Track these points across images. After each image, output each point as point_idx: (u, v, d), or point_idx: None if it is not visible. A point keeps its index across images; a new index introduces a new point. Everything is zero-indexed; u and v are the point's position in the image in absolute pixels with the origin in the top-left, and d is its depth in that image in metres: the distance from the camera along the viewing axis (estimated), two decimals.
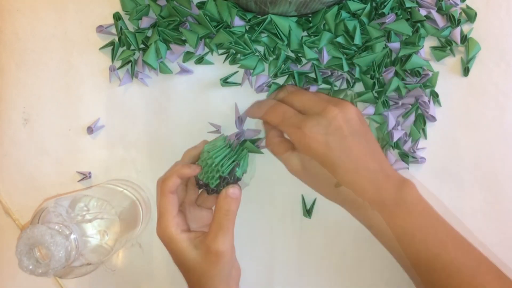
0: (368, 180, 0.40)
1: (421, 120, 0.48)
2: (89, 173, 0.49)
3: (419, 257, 0.40)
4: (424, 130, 0.48)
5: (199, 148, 0.46)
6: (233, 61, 0.48)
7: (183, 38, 0.47)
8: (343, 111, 0.41)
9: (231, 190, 0.43)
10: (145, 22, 0.47)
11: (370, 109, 0.47)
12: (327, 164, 0.41)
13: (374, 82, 0.47)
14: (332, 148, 0.40)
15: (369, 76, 0.47)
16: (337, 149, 0.41)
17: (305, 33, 0.47)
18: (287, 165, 0.45)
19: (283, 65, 0.47)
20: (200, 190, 0.47)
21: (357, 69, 0.47)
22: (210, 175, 0.44)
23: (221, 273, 0.41)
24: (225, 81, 0.48)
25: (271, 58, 0.47)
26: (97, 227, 0.39)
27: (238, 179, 0.45)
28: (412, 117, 0.48)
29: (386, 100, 0.47)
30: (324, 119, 0.41)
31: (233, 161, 0.44)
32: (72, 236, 0.36)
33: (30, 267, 0.34)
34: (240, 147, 0.46)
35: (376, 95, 0.47)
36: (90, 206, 0.40)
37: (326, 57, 0.46)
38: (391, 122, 0.47)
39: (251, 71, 0.47)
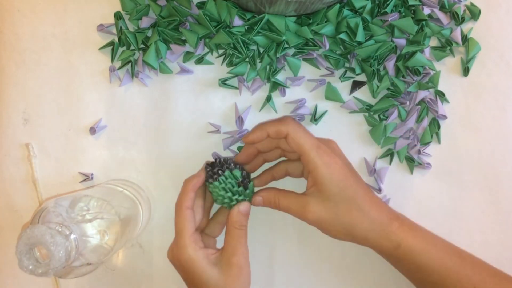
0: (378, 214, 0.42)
1: (436, 124, 0.48)
2: (91, 174, 0.49)
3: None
4: (438, 134, 0.48)
5: (200, 176, 0.45)
6: (230, 64, 0.48)
7: (183, 38, 0.47)
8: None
9: (243, 207, 0.43)
10: (145, 22, 0.47)
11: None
12: (352, 185, 0.41)
13: (373, 70, 0.47)
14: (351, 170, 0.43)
15: (368, 64, 0.47)
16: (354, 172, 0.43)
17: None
18: (306, 211, 0.42)
19: (270, 68, 0.47)
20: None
21: (357, 66, 0.47)
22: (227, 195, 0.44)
23: (243, 286, 0.41)
24: (223, 82, 0.48)
25: (259, 65, 0.48)
26: (97, 227, 0.39)
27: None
28: (425, 121, 0.48)
29: (392, 92, 0.47)
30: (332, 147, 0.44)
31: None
32: (72, 236, 0.36)
33: (30, 267, 0.34)
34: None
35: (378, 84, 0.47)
36: (90, 206, 0.40)
37: (327, 44, 0.46)
38: (394, 116, 0.47)
39: (245, 77, 0.47)
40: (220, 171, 0.43)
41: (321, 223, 0.42)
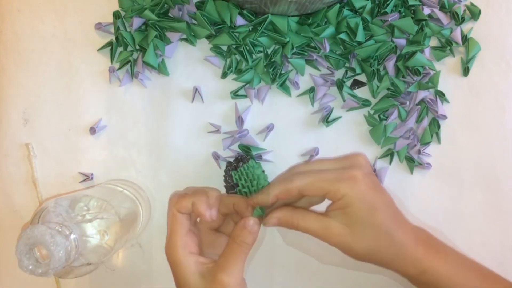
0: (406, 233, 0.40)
1: (435, 124, 0.48)
2: (91, 174, 0.49)
3: None
4: (438, 134, 0.48)
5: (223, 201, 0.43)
6: (239, 72, 0.48)
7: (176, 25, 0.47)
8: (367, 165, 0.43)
9: (251, 222, 0.40)
10: (136, 23, 0.47)
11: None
12: (381, 208, 0.40)
13: (373, 70, 0.47)
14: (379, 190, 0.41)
15: (368, 64, 0.47)
16: (380, 192, 0.41)
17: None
18: (329, 233, 0.40)
19: (273, 72, 0.47)
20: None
21: (357, 66, 0.47)
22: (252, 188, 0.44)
23: None
24: (235, 94, 0.48)
25: (263, 70, 0.48)
26: (97, 227, 0.39)
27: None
28: (425, 121, 0.48)
29: (392, 92, 0.47)
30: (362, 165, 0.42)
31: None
32: (72, 236, 0.36)
33: (30, 267, 0.34)
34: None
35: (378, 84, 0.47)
36: (90, 206, 0.40)
37: (327, 46, 0.46)
38: (394, 116, 0.47)
39: (255, 90, 0.48)
40: (244, 160, 0.45)
41: (345, 246, 0.40)
